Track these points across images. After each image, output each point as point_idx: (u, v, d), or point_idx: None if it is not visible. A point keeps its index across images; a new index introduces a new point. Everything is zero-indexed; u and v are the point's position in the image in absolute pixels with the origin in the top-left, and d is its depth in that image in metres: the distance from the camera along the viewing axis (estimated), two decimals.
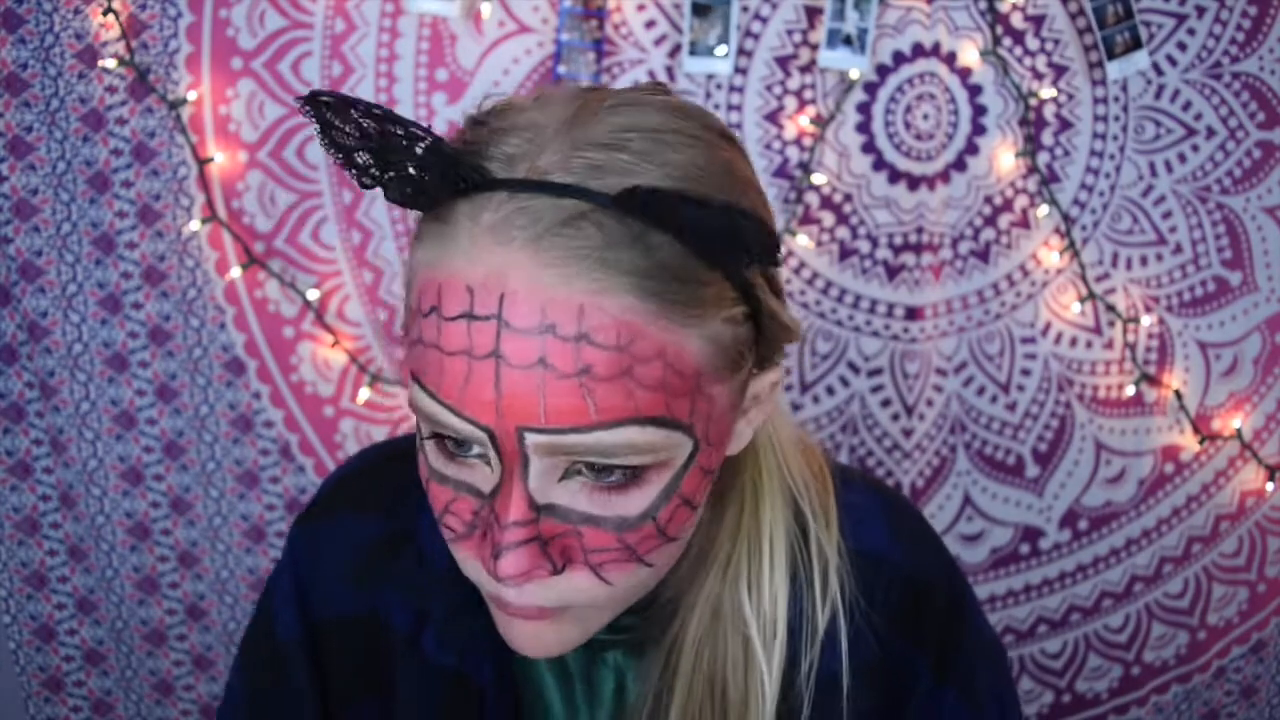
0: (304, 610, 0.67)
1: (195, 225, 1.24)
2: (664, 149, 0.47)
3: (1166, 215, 1.28)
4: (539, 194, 0.45)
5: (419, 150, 0.45)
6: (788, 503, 0.62)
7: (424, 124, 0.46)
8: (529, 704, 0.67)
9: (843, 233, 1.28)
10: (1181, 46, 1.24)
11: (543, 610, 0.51)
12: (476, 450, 0.49)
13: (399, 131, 0.44)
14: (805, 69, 1.24)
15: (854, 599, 0.62)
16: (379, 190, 0.47)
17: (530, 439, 0.46)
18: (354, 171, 0.46)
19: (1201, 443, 1.33)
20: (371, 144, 0.45)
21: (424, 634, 0.64)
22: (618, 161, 0.46)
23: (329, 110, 0.44)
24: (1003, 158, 1.26)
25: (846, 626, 0.62)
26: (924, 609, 0.64)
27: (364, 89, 1.23)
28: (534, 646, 0.53)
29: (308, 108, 0.44)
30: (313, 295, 1.27)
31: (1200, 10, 1.23)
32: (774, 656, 0.61)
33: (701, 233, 0.45)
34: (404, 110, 1.23)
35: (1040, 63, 1.25)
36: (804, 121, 1.25)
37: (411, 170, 0.45)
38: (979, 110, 1.25)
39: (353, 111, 0.44)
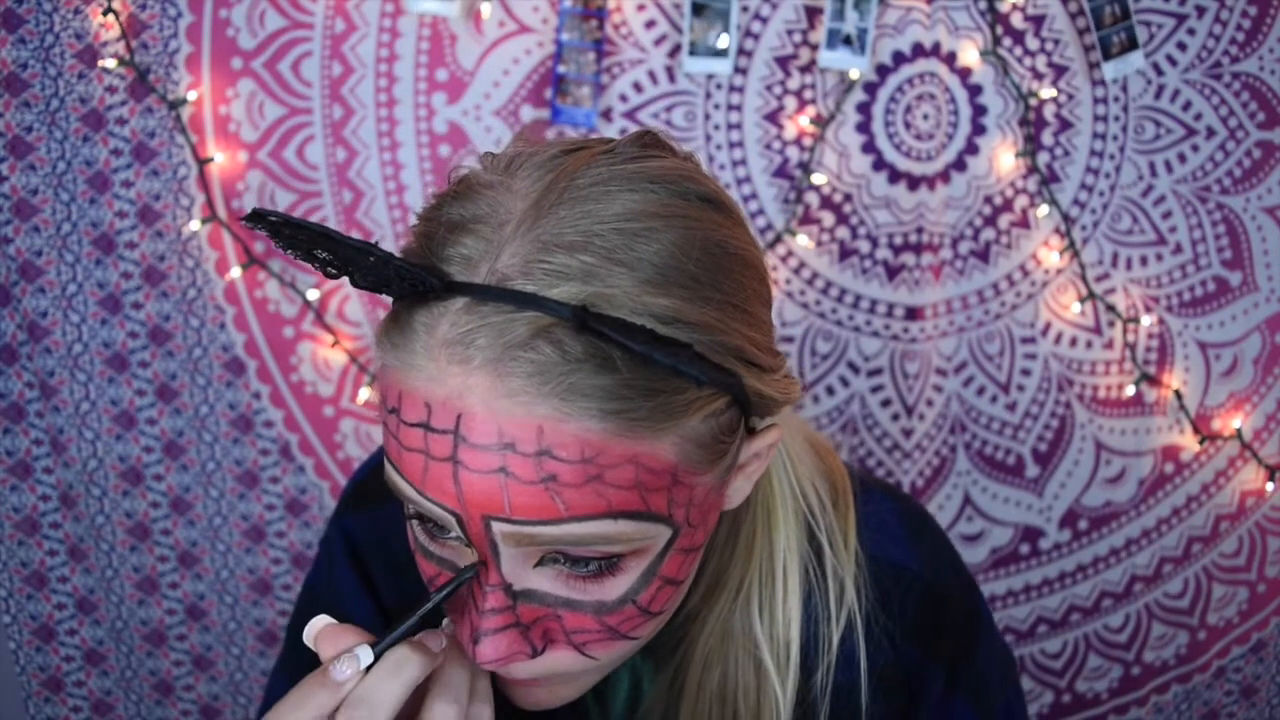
0: (378, 601, 0.67)
1: (195, 225, 1.24)
2: (635, 242, 0.44)
3: (1166, 215, 1.28)
4: (498, 304, 0.43)
5: (370, 259, 0.43)
6: (802, 525, 0.62)
7: (374, 237, 0.44)
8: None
9: (843, 233, 1.28)
10: (1181, 46, 1.24)
11: (530, 680, 0.51)
12: (454, 534, 0.48)
13: (347, 248, 0.43)
14: (805, 69, 1.24)
15: (871, 609, 0.62)
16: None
17: (497, 527, 0.45)
18: (317, 265, 0.44)
19: (1201, 443, 1.33)
20: (318, 251, 0.43)
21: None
22: (582, 265, 0.43)
23: (277, 224, 0.42)
24: (1003, 158, 1.26)
25: (864, 638, 0.61)
26: (940, 619, 0.64)
27: (364, 89, 1.23)
28: (529, 703, 0.53)
29: (252, 224, 0.42)
30: (313, 295, 1.27)
31: (1200, 10, 1.23)
32: (788, 680, 0.60)
33: (653, 362, 0.43)
34: (404, 110, 1.23)
35: (1040, 63, 1.25)
36: (804, 121, 1.25)
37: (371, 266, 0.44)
38: (979, 110, 1.25)
39: (302, 227, 0.42)
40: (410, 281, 0.43)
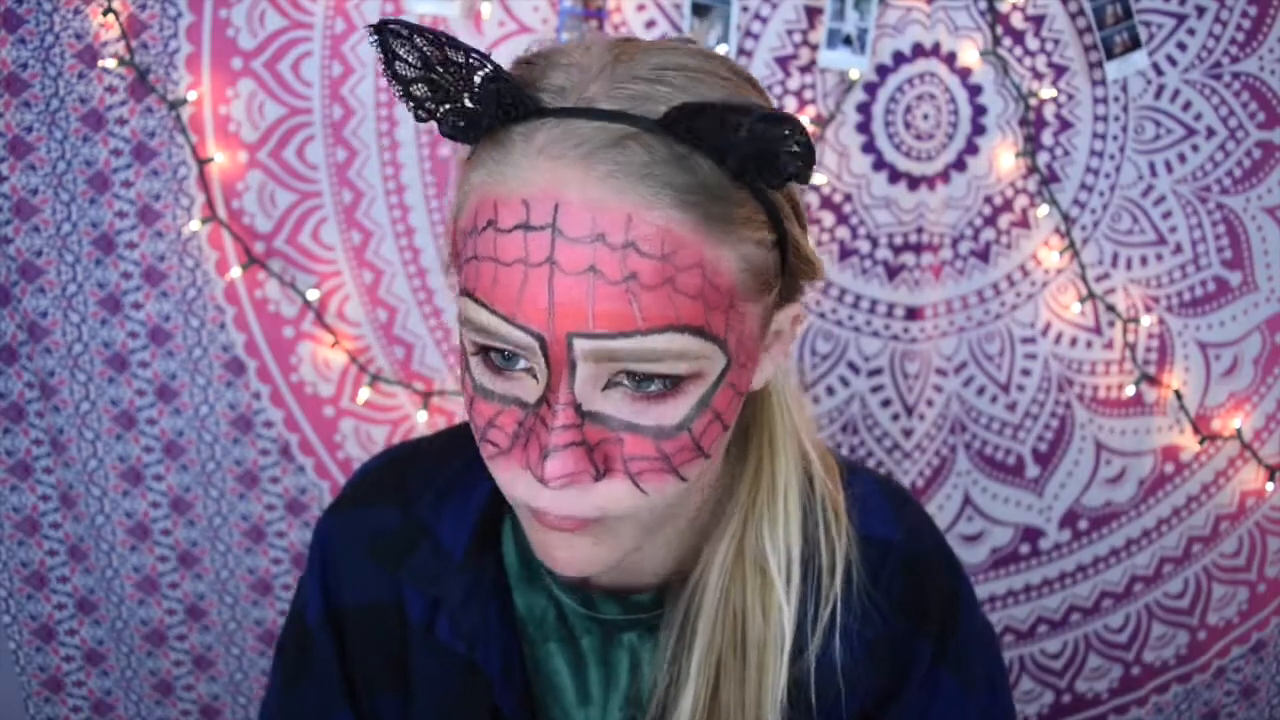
0: (328, 597, 0.70)
1: (195, 225, 1.24)
2: (699, 85, 0.51)
3: (1166, 215, 1.28)
4: (588, 119, 0.48)
5: (477, 79, 0.48)
6: (797, 451, 0.66)
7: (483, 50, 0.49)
8: (540, 691, 0.68)
9: (843, 233, 1.28)
10: (1181, 46, 1.24)
11: (579, 522, 0.53)
12: (523, 364, 0.51)
13: (459, 59, 0.47)
14: (805, 69, 1.24)
15: (861, 582, 0.65)
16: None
17: (579, 344, 0.48)
18: (411, 103, 0.49)
19: (1201, 443, 1.33)
20: (432, 73, 0.48)
21: (438, 621, 0.67)
22: (659, 92, 0.50)
23: (395, 39, 0.47)
24: (1003, 158, 1.26)
25: (852, 606, 0.65)
26: (926, 592, 0.67)
27: (364, 89, 1.23)
28: (568, 561, 0.55)
29: (375, 36, 0.47)
30: (313, 295, 1.27)
31: (1200, 10, 1.23)
32: (792, 595, 0.64)
33: (739, 157, 0.48)
34: (404, 110, 1.23)
35: (1040, 63, 1.25)
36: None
37: (467, 103, 0.49)
38: (979, 110, 1.25)
39: (417, 39, 0.46)
40: (509, 105, 0.49)
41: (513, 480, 0.53)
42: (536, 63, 0.53)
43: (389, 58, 0.47)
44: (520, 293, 0.48)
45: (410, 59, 0.47)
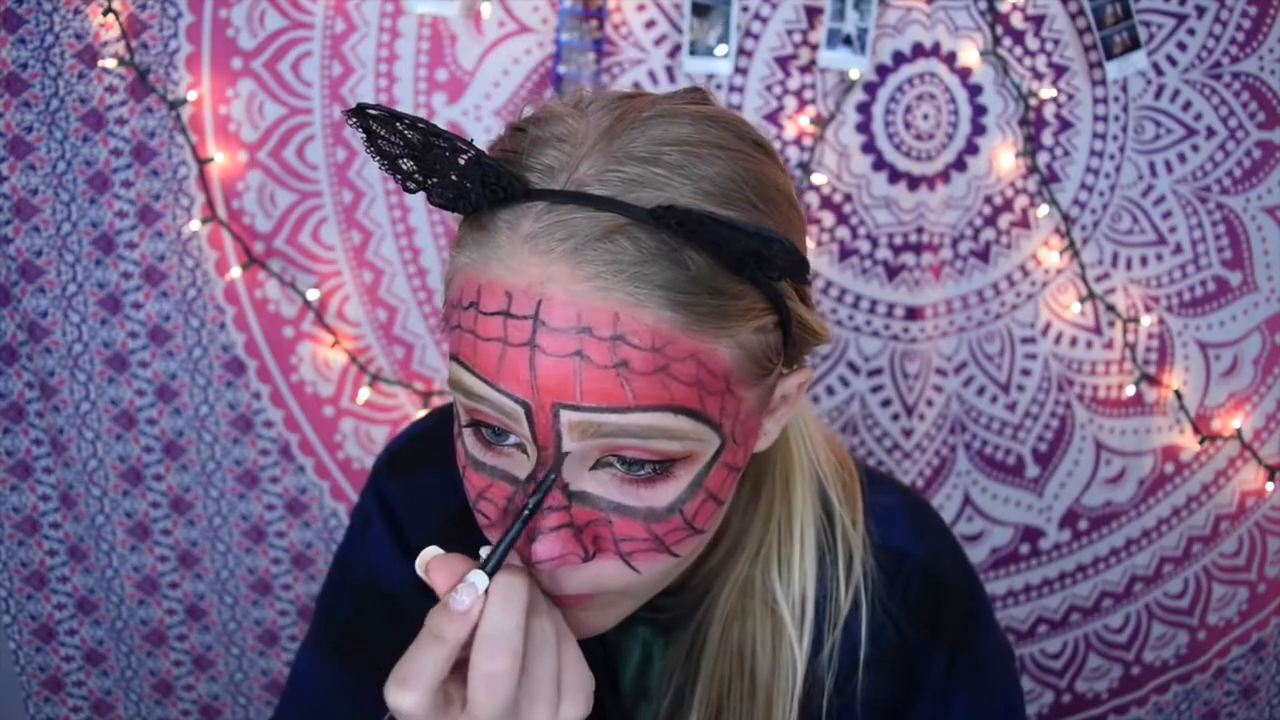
0: (410, 560, 0.69)
1: (195, 225, 1.24)
2: (697, 162, 0.48)
3: (1166, 215, 1.28)
4: (578, 206, 0.46)
5: (461, 161, 0.46)
6: (815, 491, 0.65)
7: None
8: None
9: (843, 233, 1.28)
10: (1181, 46, 1.24)
11: (576, 596, 0.52)
12: (512, 439, 0.50)
13: (442, 144, 0.45)
14: (805, 69, 1.24)
15: (877, 591, 0.65)
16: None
17: (565, 416, 0.47)
18: (399, 177, 0.47)
19: (1201, 443, 1.33)
20: (415, 152, 0.46)
21: None
22: (652, 175, 0.47)
23: (375, 121, 0.45)
24: (1003, 158, 1.26)
25: (868, 616, 0.64)
26: (942, 605, 0.67)
27: (364, 89, 1.23)
28: (570, 629, 0.54)
29: (354, 119, 0.45)
30: (313, 295, 1.27)
31: (1200, 10, 1.23)
32: (804, 632, 0.63)
33: (732, 253, 0.45)
34: (404, 110, 1.23)
35: (1040, 63, 1.25)
36: (804, 121, 1.25)
37: (454, 178, 0.47)
38: (979, 110, 1.25)
39: (398, 124, 0.45)
40: (494, 185, 0.47)
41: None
42: (527, 131, 0.51)
43: (370, 137, 0.46)
44: (500, 363, 0.47)
45: (392, 139, 0.46)
